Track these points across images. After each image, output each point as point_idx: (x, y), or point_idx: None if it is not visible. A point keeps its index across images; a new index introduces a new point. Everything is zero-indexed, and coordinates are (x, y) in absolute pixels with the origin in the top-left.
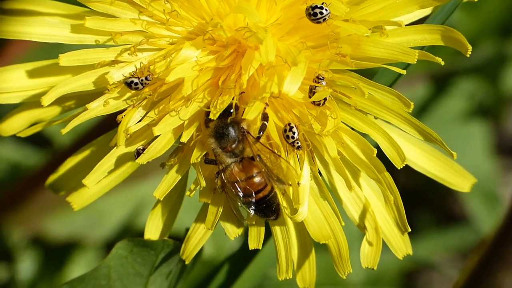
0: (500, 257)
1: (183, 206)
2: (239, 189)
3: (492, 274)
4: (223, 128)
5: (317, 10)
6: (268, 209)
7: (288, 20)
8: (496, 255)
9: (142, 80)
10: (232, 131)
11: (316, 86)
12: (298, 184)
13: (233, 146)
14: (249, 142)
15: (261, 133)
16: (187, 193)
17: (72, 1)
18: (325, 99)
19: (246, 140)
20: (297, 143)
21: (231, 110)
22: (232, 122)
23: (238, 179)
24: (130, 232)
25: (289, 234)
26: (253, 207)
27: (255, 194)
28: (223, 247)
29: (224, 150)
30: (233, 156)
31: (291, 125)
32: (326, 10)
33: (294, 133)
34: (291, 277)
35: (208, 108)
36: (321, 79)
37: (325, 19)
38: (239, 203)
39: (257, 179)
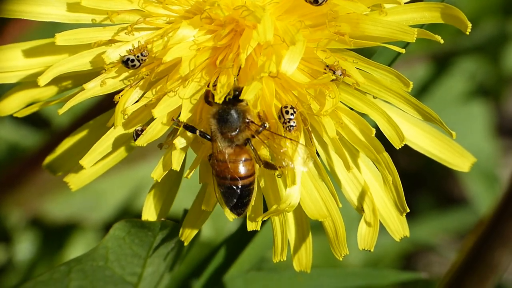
0: (497, 235)
1: (181, 187)
2: (225, 169)
3: (489, 253)
4: (227, 115)
5: None
6: (243, 200)
7: None
8: (493, 234)
9: (138, 56)
10: (236, 120)
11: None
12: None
13: (233, 134)
14: (251, 130)
15: (261, 128)
16: (185, 174)
17: None
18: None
19: (247, 130)
20: (292, 126)
21: (238, 95)
22: (238, 110)
23: (228, 159)
24: (129, 214)
25: (286, 217)
26: (236, 196)
27: (243, 178)
28: (222, 229)
29: (223, 135)
30: (229, 141)
31: (286, 109)
32: None
33: (290, 117)
34: (285, 259)
35: (208, 87)
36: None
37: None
38: (222, 191)
39: (246, 164)
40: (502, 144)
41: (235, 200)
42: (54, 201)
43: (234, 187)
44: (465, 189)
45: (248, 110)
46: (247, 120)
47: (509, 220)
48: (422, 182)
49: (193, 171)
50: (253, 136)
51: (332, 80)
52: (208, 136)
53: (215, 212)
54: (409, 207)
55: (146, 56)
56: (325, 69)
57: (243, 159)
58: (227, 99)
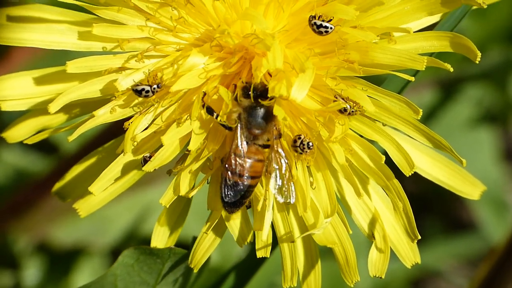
0: (509, 269)
1: (190, 212)
2: (238, 165)
3: (501, 286)
4: (262, 111)
5: (322, 29)
6: (242, 200)
7: (296, 26)
8: (504, 267)
9: (154, 88)
10: (266, 119)
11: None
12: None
13: (258, 131)
14: (274, 135)
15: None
16: (191, 194)
17: (80, 8)
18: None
19: (269, 133)
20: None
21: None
22: (270, 111)
23: (242, 155)
24: (136, 239)
25: (295, 243)
26: (240, 193)
27: (250, 178)
28: (230, 255)
29: (249, 131)
30: (251, 139)
31: (301, 138)
32: (331, 28)
33: (304, 145)
34: (295, 285)
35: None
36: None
37: (328, 32)
38: (229, 184)
39: (258, 165)
40: (510, 169)
41: (238, 197)
42: (61, 226)
43: (240, 185)
44: (474, 213)
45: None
46: (274, 124)
47: None
48: (430, 206)
49: (197, 189)
50: (269, 140)
51: (345, 113)
52: (228, 126)
53: (223, 237)
54: None
55: (161, 88)
56: (336, 97)
57: (256, 158)
58: (259, 98)
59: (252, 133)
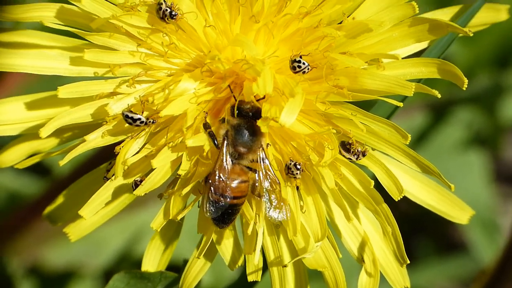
0: None
1: (183, 231)
2: (222, 186)
3: None
4: (249, 129)
5: (295, 64)
6: (230, 217)
7: (285, 52)
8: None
9: (149, 120)
10: (253, 138)
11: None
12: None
13: (244, 150)
14: (260, 155)
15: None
16: (179, 216)
17: (71, 34)
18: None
19: (255, 154)
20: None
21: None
22: (258, 130)
23: (226, 176)
24: (129, 260)
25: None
26: (222, 210)
27: (233, 198)
28: (222, 276)
29: (235, 149)
30: (236, 157)
31: (296, 164)
32: (304, 63)
33: (298, 170)
34: None
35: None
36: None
37: (304, 71)
38: (210, 202)
39: (242, 186)
40: (501, 191)
41: (219, 213)
42: (53, 248)
43: (222, 202)
44: (466, 234)
45: (263, 136)
46: (260, 144)
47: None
48: (422, 227)
49: (187, 211)
50: (256, 161)
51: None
52: (216, 143)
53: (216, 259)
54: (408, 252)
55: (155, 122)
56: (347, 145)
57: (240, 180)
58: (250, 114)
59: (237, 150)
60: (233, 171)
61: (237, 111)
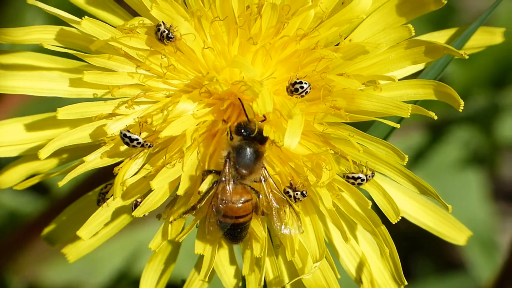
0: None
1: (182, 249)
2: (225, 208)
3: None
4: (251, 150)
5: (298, 86)
6: (240, 234)
7: (283, 74)
8: None
9: (146, 143)
10: (255, 159)
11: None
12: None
13: (246, 172)
14: (263, 174)
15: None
16: (178, 237)
17: (71, 56)
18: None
19: (257, 174)
20: (298, 199)
21: (263, 136)
22: (260, 151)
23: (229, 198)
24: (128, 279)
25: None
26: (226, 229)
27: (235, 218)
28: None
29: (237, 170)
30: (238, 179)
31: (294, 187)
32: (305, 83)
33: (296, 194)
34: None
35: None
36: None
37: (307, 92)
38: (209, 221)
39: (246, 205)
40: (499, 209)
41: (225, 229)
42: (52, 267)
43: (223, 223)
44: (464, 254)
45: (264, 156)
46: (262, 165)
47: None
48: (420, 245)
49: (186, 234)
50: (259, 181)
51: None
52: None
53: (214, 279)
54: (406, 271)
55: (152, 147)
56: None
57: (243, 199)
58: (253, 135)
59: (239, 173)
60: (236, 191)
61: (239, 132)
